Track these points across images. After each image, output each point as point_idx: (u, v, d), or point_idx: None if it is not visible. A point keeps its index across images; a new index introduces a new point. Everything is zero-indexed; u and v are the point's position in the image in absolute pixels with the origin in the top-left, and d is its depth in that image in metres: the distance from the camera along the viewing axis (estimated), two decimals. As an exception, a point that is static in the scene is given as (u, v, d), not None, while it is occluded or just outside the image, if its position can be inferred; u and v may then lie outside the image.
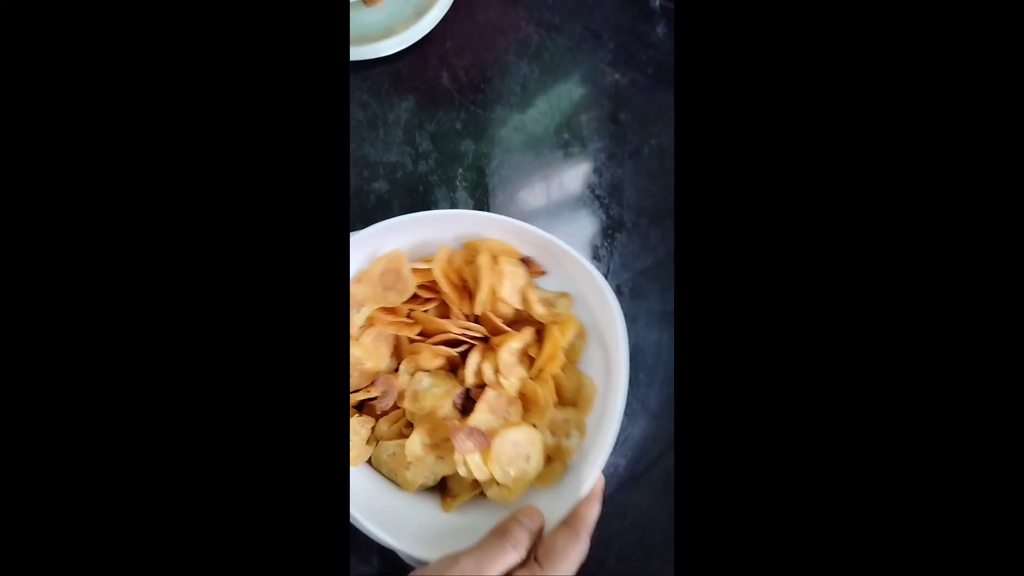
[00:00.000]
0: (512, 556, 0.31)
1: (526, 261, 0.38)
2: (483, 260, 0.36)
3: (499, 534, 0.32)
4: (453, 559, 0.31)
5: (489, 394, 0.35)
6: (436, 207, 0.46)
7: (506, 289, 0.36)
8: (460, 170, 0.47)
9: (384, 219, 0.44)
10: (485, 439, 0.34)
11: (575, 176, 0.51)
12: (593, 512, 0.35)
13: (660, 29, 0.54)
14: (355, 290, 0.35)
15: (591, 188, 0.51)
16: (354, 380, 0.35)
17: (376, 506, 0.33)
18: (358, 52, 0.44)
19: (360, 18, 0.47)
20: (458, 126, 0.47)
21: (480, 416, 0.35)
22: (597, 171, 0.52)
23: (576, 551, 0.34)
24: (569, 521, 0.34)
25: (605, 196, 0.52)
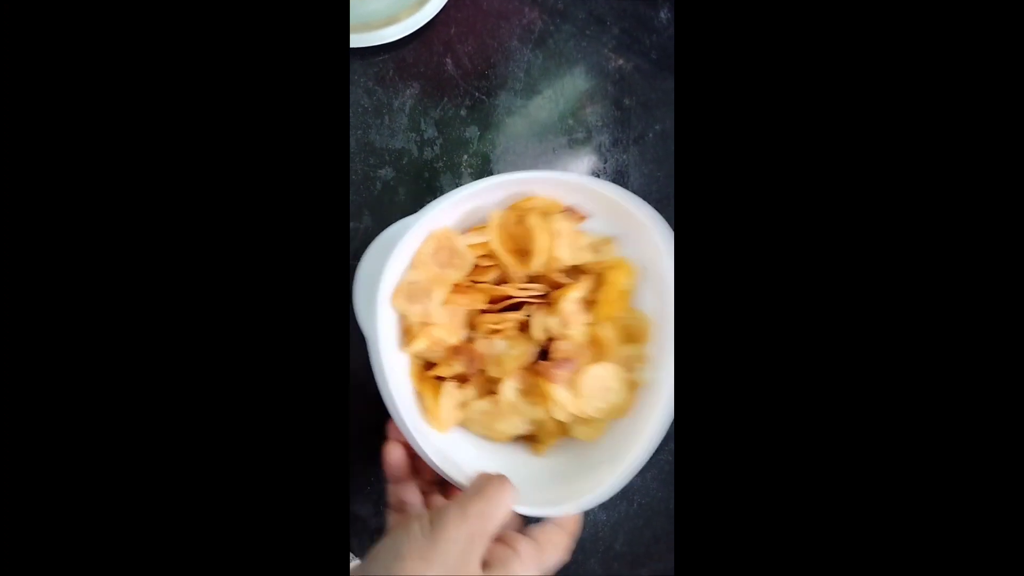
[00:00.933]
0: (509, 501, 0.31)
1: (568, 210, 0.39)
2: (535, 221, 0.37)
3: (487, 480, 0.32)
4: (460, 509, 0.30)
5: (561, 345, 0.38)
6: (442, 193, 0.46)
7: (562, 249, 0.38)
8: (465, 156, 0.47)
9: (391, 205, 0.45)
10: (573, 364, 0.37)
11: (580, 162, 0.51)
12: (578, 527, 0.36)
13: (664, 14, 0.53)
14: (417, 277, 0.36)
15: (596, 174, 0.51)
16: (439, 355, 0.37)
17: (473, 465, 0.36)
18: (362, 39, 0.44)
19: (364, 5, 0.47)
20: (463, 112, 0.47)
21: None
22: (602, 157, 0.52)
23: (562, 547, 0.34)
24: (560, 522, 0.35)
25: (610, 182, 0.52)
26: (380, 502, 0.45)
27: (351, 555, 0.44)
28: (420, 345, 0.36)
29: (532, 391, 0.38)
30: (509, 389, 0.37)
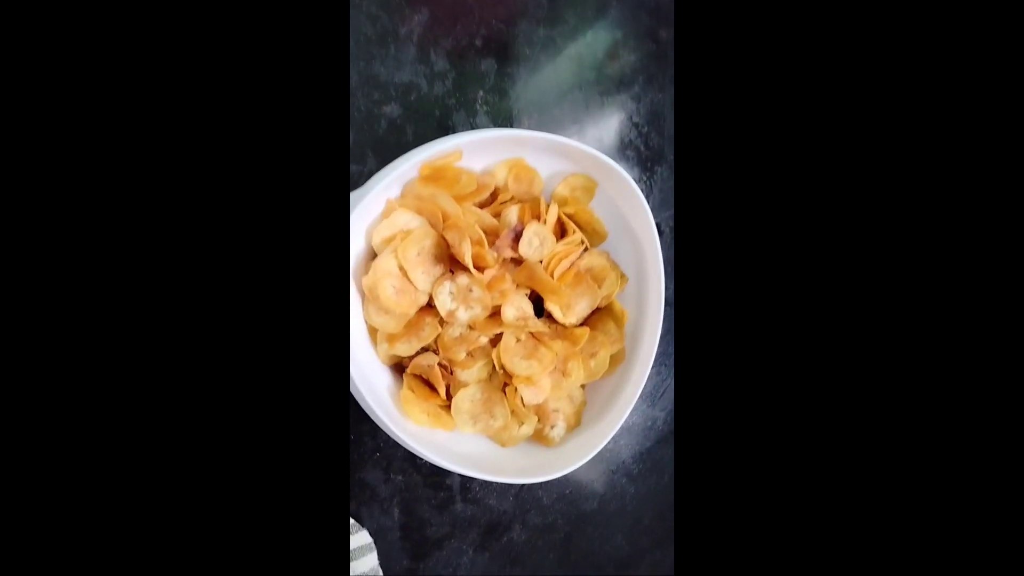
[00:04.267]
0: None
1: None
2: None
3: None
4: None
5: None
6: (455, 132, 0.42)
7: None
8: (481, 92, 0.42)
9: (398, 146, 0.40)
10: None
11: (610, 102, 0.46)
12: None
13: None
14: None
15: (629, 115, 0.46)
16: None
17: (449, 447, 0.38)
18: (365, -43, 0.39)
19: (368, -81, 0.41)
20: (478, 42, 0.42)
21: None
22: (635, 96, 0.46)
23: None
24: None
25: (644, 124, 0.46)
26: (389, 469, 0.41)
27: (358, 525, 0.41)
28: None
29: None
30: (464, 399, 0.38)
